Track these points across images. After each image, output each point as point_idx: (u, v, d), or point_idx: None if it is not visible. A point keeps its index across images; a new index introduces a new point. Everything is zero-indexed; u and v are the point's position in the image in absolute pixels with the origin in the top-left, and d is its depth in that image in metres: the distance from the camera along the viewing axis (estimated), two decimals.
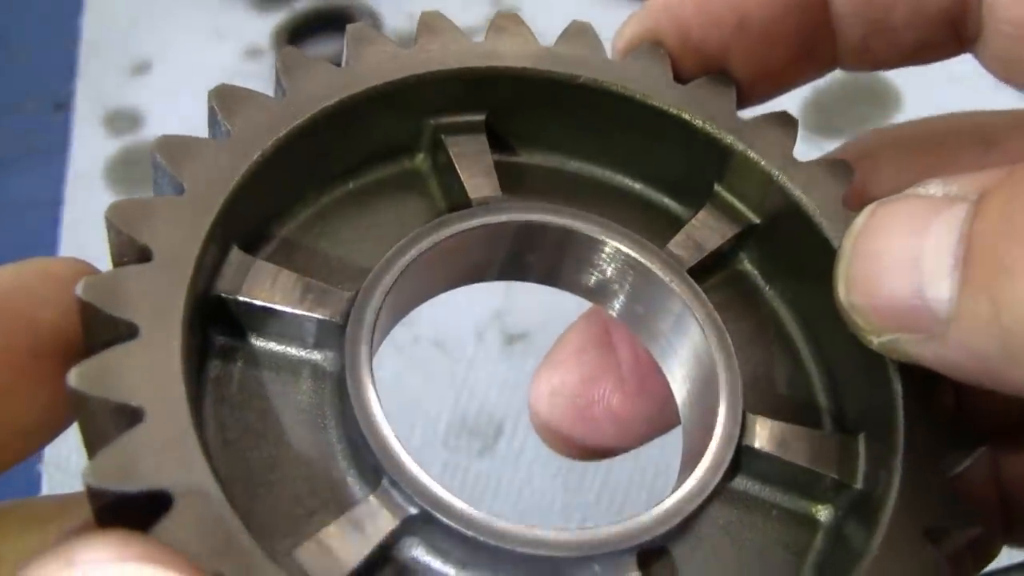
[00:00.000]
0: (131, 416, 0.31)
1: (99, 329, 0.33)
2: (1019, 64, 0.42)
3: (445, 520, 0.35)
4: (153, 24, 1.24)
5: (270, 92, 0.40)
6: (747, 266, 0.46)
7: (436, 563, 0.36)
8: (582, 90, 0.43)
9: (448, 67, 0.42)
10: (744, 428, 0.39)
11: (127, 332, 0.33)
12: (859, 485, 0.39)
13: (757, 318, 0.44)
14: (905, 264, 0.34)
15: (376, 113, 0.41)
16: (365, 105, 0.40)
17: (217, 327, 0.38)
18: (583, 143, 0.45)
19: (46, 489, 0.84)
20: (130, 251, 0.35)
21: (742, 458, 0.39)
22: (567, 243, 0.44)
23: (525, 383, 0.55)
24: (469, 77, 0.42)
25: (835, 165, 0.43)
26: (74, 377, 0.31)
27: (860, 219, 0.36)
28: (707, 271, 0.44)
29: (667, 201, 0.46)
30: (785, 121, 0.44)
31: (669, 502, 0.38)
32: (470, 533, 0.35)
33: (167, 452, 0.31)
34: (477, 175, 0.42)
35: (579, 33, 0.45)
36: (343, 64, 0.41)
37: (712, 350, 0.41)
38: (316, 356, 0.39)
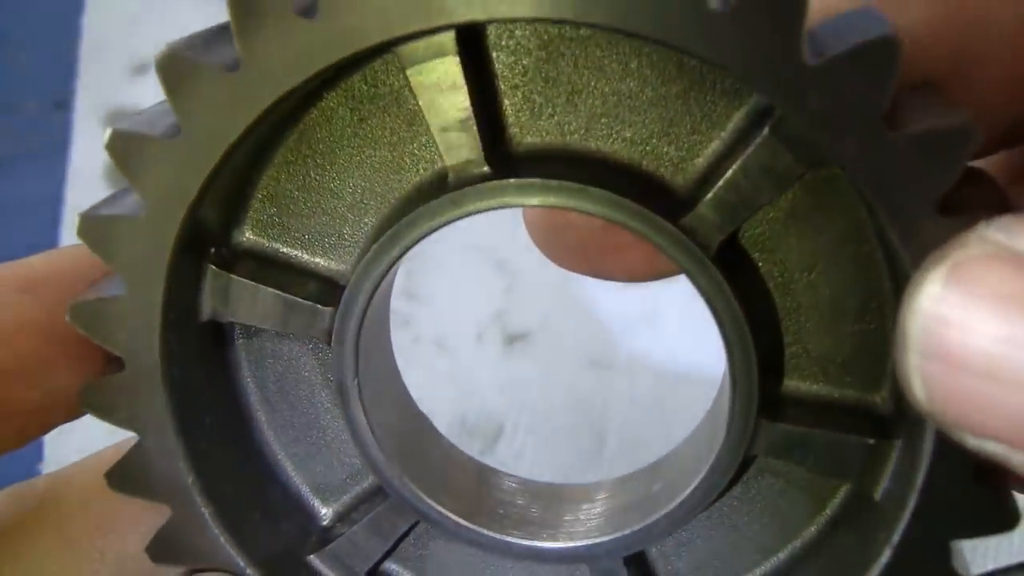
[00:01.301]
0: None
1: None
2: None
3: (438, 535, 0.41)
4: (153, 24, 1.24)
5: None
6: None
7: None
8: None
9: None
10: (755, 434, 0.36)
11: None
12: (877, 497, 0.36)
13: (839, 230, 0.35)
14: (1011, 375, 0.24)
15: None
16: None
17: None
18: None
19: None
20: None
21: (747, 462, 0.38)
22: None
23: (525, 383, 0.54)
24: None
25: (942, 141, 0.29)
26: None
27: (931, 288, 0.25)
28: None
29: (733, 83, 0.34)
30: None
31: (658, 515, 0.38)
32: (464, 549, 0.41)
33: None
34: (451, 128, 0.34)
35: None
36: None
37: (728, 365, 0.35)
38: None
